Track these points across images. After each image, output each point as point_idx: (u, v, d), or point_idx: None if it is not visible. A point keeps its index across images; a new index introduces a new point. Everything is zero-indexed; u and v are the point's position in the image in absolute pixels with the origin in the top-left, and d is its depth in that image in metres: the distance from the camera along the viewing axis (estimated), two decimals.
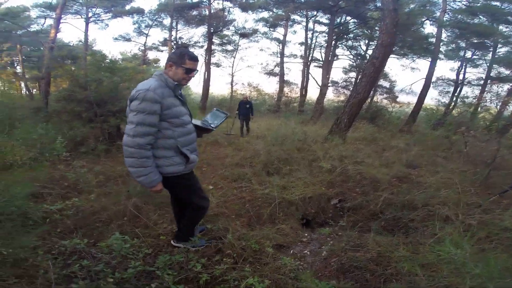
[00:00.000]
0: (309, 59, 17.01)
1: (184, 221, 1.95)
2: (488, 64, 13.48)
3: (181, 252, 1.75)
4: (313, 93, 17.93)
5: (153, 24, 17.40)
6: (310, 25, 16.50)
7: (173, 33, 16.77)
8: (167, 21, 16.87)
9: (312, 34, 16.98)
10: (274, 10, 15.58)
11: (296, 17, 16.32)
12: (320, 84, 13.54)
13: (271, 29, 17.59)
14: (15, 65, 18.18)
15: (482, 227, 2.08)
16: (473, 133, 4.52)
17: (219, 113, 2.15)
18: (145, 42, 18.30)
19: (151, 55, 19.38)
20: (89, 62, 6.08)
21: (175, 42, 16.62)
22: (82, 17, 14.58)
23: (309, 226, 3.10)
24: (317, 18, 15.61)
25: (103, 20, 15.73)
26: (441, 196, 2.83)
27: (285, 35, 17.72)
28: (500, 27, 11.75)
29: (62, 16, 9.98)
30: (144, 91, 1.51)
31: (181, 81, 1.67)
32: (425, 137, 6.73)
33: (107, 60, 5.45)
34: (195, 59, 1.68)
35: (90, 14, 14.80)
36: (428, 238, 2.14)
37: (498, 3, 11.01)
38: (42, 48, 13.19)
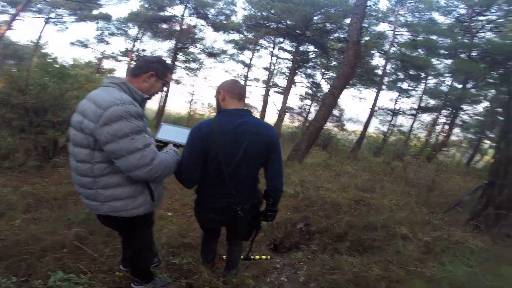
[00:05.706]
0: (271, 84, 17.82)
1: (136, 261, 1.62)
2: (420, 95, 15.34)
3: None
4: (269, 118, 18.23)
5: (118, 32, 16.41)
6: (275, 51, 17.56)
7: (137, 44, 16.17)
8: (133, 31, 16.23)
9: (276, 60, 18.04)
10: (245, 33, 16.22)
11: (264, 42, 17.26)
12: (279, 109, 14.12)
13: (239, 52, 18.02)
14: None
15: (436, 243, 2.30)
16: (410, 161, 5.22)
17: (180, 128, 1.71)
18: (104, 51, 17.04)
19: (107, 64, 18.02)
20: (36, 64, 5.20)
21: (137, 53, 15.89)
22: (42, 16, 13.24)
23: (277, 251, 3.01)
24: (282, 45, 16.76)
25: (64, 22, 14.52)
26: (395, 216, 3.09)
27: (251, 59, 18.31)
28: (432, 59, 13.56)
29: (21, 13, 8.70)
30: (121, 106, 1.18)
31: (151, 95, 1.44)
32: (370, 163, 7.48)
33: (56, 65, 4.71)
34: (172, 72, 1.56)
35: (52, 15, 13.55)
36: (393, 256, 2.27)
37: (435, 37, 12.95)
38: None
